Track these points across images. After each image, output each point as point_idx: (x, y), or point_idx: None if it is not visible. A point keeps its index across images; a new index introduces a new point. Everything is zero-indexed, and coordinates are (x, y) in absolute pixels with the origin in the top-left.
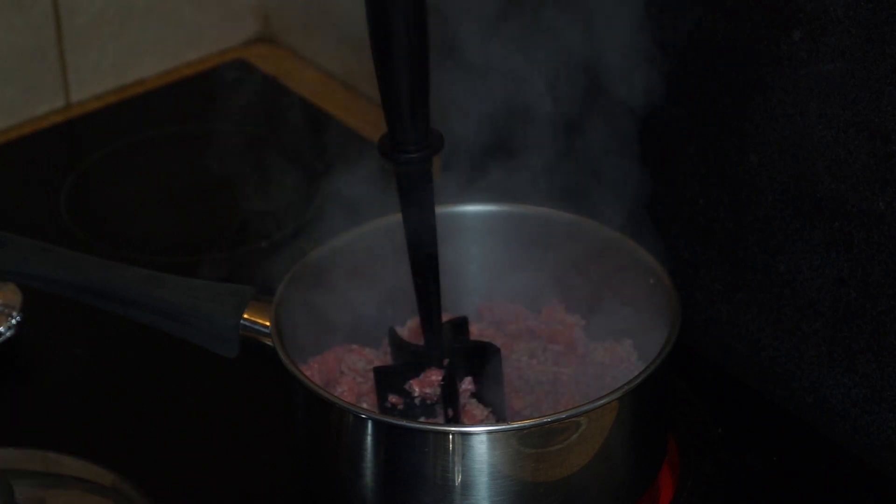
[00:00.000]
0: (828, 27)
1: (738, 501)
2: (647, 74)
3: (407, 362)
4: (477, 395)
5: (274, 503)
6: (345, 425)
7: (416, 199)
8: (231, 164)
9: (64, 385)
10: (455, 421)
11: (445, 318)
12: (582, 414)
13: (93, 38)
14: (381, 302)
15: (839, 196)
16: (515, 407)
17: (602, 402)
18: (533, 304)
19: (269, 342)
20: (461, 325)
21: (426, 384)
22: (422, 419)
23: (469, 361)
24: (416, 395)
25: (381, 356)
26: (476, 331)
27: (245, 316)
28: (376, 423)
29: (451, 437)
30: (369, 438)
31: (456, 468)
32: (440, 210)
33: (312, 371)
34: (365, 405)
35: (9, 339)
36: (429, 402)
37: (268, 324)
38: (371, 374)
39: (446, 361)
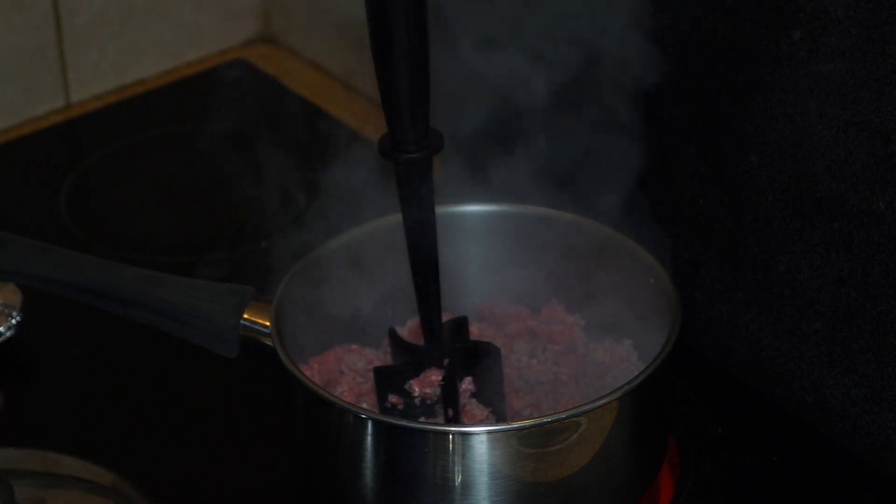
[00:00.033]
0: (828, 27)
1: (738, 501)
2: (647, 74)
3: (407, 362)
4: (477, 395)
5: (274, 503)
6: (345, 425)
7: (416, 199)
8: (231, 164)
9: (64, 385)
10: (455, 421)
11: (445, 318)
12: (582, 414)
13: (93, 38)
14: (381, 302)
15: (839, 196)
16: (515, 407)
17: (602, 402)
18: (533, 304)
19: (269, 342)
20: (461, 325)
21: (426, 384)
22: (422, 419)
23: (469, 361)
24: (416, 395)
25: (381, 356)
26: (476, 331)
27: (245, 316)
28: (376, 423)
29: (451, 437)
30: (369, 438)
31: (456, 468)
32: (440, 210)
33: (312, 371)
34: (365, 405)
35: (9, 339)
36: (429, 402)
37: (268, 324)
38: (371, 374)
39: (446, 361)
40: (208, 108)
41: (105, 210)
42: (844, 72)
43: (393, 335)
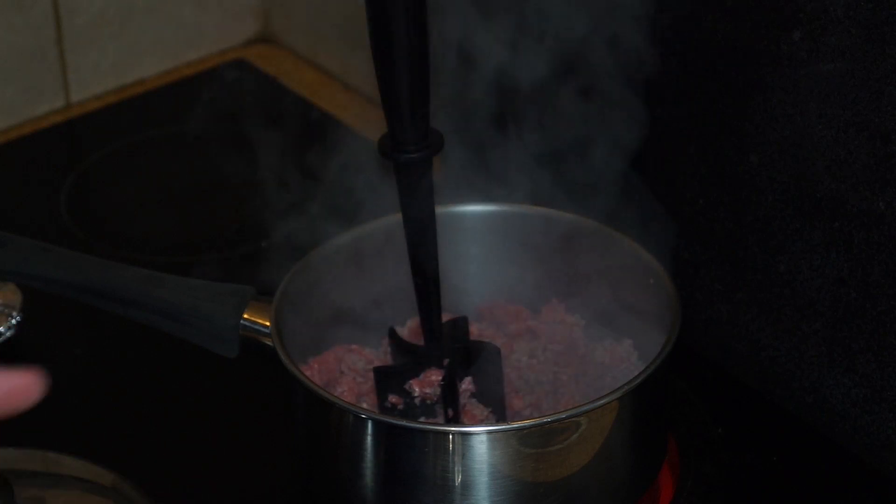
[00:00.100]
0: (828, 27)
1: (738, 501)
2: (647, 73)
3: (407, 362)
4: (477, 395)
5: (274, 503)
6: (345, 425)
7: (416, 199)
8: (231, 164)
9: (64, 385)
10: (455, 421)
11: (445, 318)
12: (582, 414)
13: (93, 38)
14: (381, 302)
15: (839, 196)
16: (515, 407)
17: (602, 402)
18: (533, 304)
19: (269, 342)
20: (461, 325)
21: (426, 384)
22: (422, 419)
23: (469, 361)
24: (416, 395)
25: (381, 356)
26: (476, 331)
27: (245, 316)
28: (376, 423)
29: (451, 437)
30: (369, 438)
31: (456, 468)
32: (440, 210)
33: (312, 371)
34: (365, 405)
35: (9, 339)
36: (429, 402)
37: (268, 324)
38: (371, 374)
39: (446, 361)
40: (208, 108)
41: (105, 210)
42: (844, 72)
43: (393, 335)
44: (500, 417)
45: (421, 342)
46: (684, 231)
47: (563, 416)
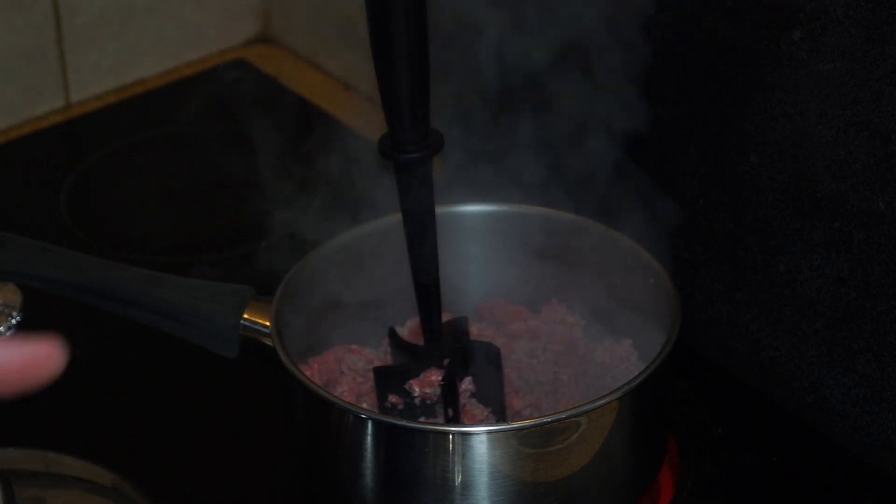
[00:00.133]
0: (828, 27)
1: (738, 501)
2: (647, 73)
3: (407, 362)
4: (477, 395)
5: (274, 503)
6: (345, 425)
7: (417, 199)
8: (231, 164)
9: (64, 385)
10: (455, 421)
11: (445, 318)
12: (582, 414)
13: (93, 38)
14: (381, 302)
15: (839, 196)
16: (515, 407)
17: (602, 402)
18: (533, 304)
19: (269, 342)
20: (461, 325)
21: (426, 384)
22: (422, 419)
23: (469, 361)
24: (416, 395)
25: (381, 356)
26: (476, 331)
27: (245, 316)
28: (376, 423)
29: (451, 437)
30: (369, 438)
31: (456, 468)
32: (440, 210)
33: (312, 371)
34: (365, 405)
35: None
36: (429, 402)
37: (268, 324)
38: (371, 374)
39: (446, 361)
40: (208, 108)
41: (105, 210)
42: (844, 72)
43: (393, 335)
44: (500, 417)
45: (421, 342)
46: (684, 231)
47: (563, 416)
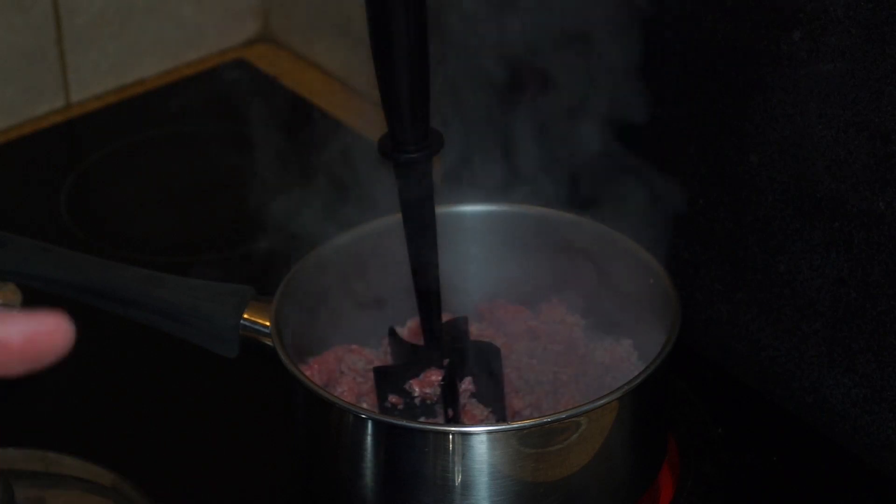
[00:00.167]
0: (828, 27)
1: (738, 501)
2: (647, 73)
3: (407, 362)
4: (477, 395)
5: (274, 503)
6: (345, 425)
7: (417, 198)
8: (231, 164)
9: (64, 385)
10: (455, 421)
11: (445, 318)
12: (582, 414)
13: (93, 38)
14: (381, 302)
15: (839, 196)
16: (515, 407)
17: (602, 402)
18: (533, 304)
19: (269, 342)
20: (461, 325)
21: (426, 384)
22: (422, 419)
23: (469, 361)
24: (416, 395)
25: (381, 356)
26: (476, 331)
27: (245, 316)
28: (376, 423)
29: (451, 437)
30: (369, 438)
31: (456, 468)
32: (440, 210)
33: (312, 371)
34: (365, 405)
35: None
36: (429, 402)
37: (268, 324)
38: (371, 374)
39: (446, 361)
40: (208, 109)
41: (105, 210)
42: (844, 72)
43: (393, 335)
44: (500, 417)
45: (421, 342)
46: (684, 231)
47: (563, 416)
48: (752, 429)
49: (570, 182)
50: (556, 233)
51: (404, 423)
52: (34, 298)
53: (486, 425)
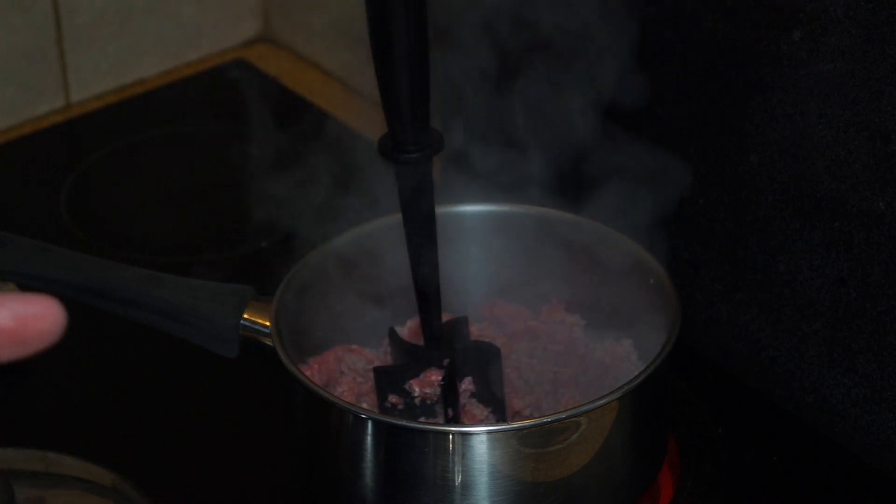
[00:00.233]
0: (828, 27)
1: (738, 501)
2: (646, 74)
3: (407, 362)
4: (477, 395)
5: (274, 503)
6: (345, 425)
7: (416, 199)
8: (231, 164)
9: (64, 385)
10: (455, 421)
11: (445, 318)
12: (582, 414)
13: (93, 38)
14: (381, 302)
15: (839, 196)
16: (515, 407)
17: (602, 402)
18: (533, 304)
19: (269, 342)
20: (461, 325)
21: (426, 384)
22: (422, 419)
23: (469, 361)
24: (416, 395)
25: (381, 356)
26: (476, 331)
27: (245, 316)
28: (376, 423)
29: (451, 437)
30: (369, 438)
31: (456, 468)
32: (440, 210)
33: (312, 371)
34: (365, 405)
35: None
36: (429, 402)
37: (268, 324)
38: (371, 374)
39: (446, 361)
40: (208, 109)
41: (105, 210)
42: (844, 72)
43: (393, 335)
44: (500, 417)
45: (421, 342)
46: (684, 231)
47: (563, 416)
48: (752, 429)
49: (570, 182)
50: (556, 233)
51: (404, 423)
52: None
53: (486, 425)
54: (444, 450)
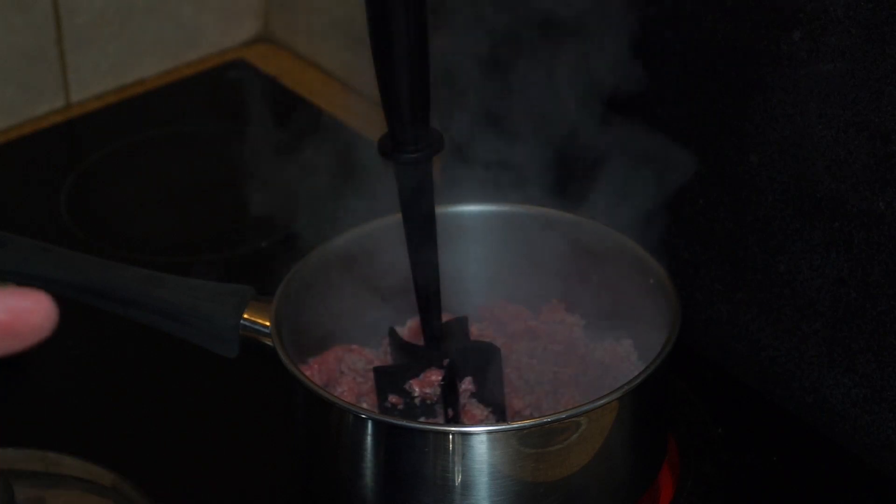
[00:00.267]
0: (828, 27)
1: (738, 501)
2: (647, 73)
3: (407, 362)
4: (477, 395)
5: (274, 503)
6: (345, 425)
7: (417, 198)
8: (231, 164)
9: (64, 385)
10: (455, 421)
11: (445, 318)
12: (582, 414)
13: (93, 38)
14: (381, 302)
15: (839, 196)
16: (515, 407)
17: (602, 402)
18: (533, 304)
19: (269, 342)
20: (461, 325)
21: (426, 384)
22: (422, 419)
23: (469, 361)
24: (416, 395)
25: (381, 356)
26: (476, 331)
27: (245, 316)
28: (376, 423)
29: (451, 437)
30: (369, 438)
31: (456, 468)
32: (440, 210)
33: (312, 371)
34: (365, 405)
35: None
36: (429, 402)
37: (268, 324)
38: (371, 374)
39: (446, 361)
40: (208, 109)
41: (105, 210)
42: (844, 72)
43: (393, 335)
44: (500, 417)
45: (421, 342)
46: (684, 231)
47: (563, 416)
48: (752, 429)
49: (570, 182)
50: (557, 232)
51: (404, 423)
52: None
53: (486, 425)
54: (444, 450)
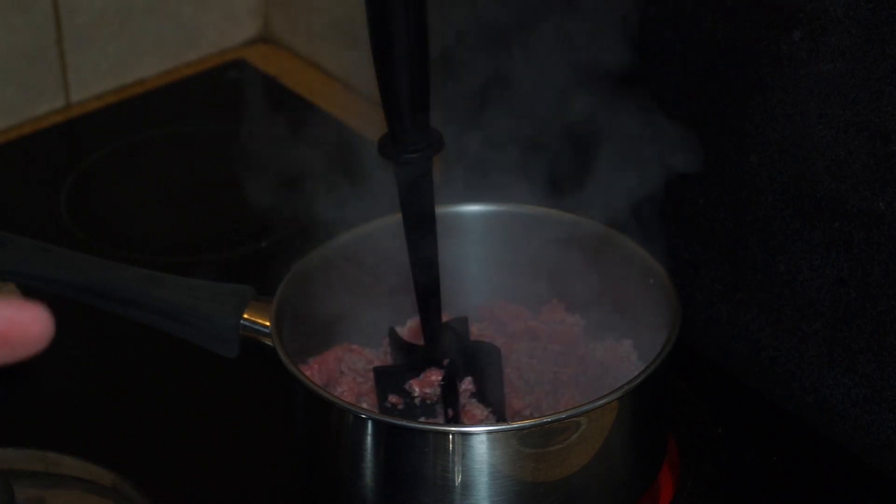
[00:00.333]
0: (828, 27)
1: (738, 501)
2: (647, 73)
3: (407, 362)
4: (477, 395)
5: (274, 503)
6: (345, 425)
7: (417, 199)
8: (231, 164)
9: (64, 385)
10: (455, 421)
11: (445, 318)
12: (582, 414)
13: (93, 38)
14: (381, 302)
15: (839, 196)
16: (515, 407)
17: (602, 402)
18: (533, 304)
19: (269, 342)
20: (461, 325)
21: (426, 384)
22: (422, 419)
23: (469, 361)
24: (416, 395)
25: (381, 356)
26: (476, 331)
27: (245, 316)
28: (376, 423)
29: (451, 437)
30: (369, 438)
31: (456, 468)
32: (440, 210)
33: (312, 371)
34: (365, 405)
35: None
36: (429, 402)
37: (268, 324)
38: (371, 374)
39: (446, 361)
40: (208, 109)
41: (105, 210)
42: (844, 72)
43: (393, 335)
44: (500, 417)
45: (421, 342)
46: (684, 231)
47: (563, 416)
48: (752, 429)
49: (569, 182)
50: (556, 233)
51: (404, 423)
52: (34, 298)
53: (486, 425)
54: (444, 450)
